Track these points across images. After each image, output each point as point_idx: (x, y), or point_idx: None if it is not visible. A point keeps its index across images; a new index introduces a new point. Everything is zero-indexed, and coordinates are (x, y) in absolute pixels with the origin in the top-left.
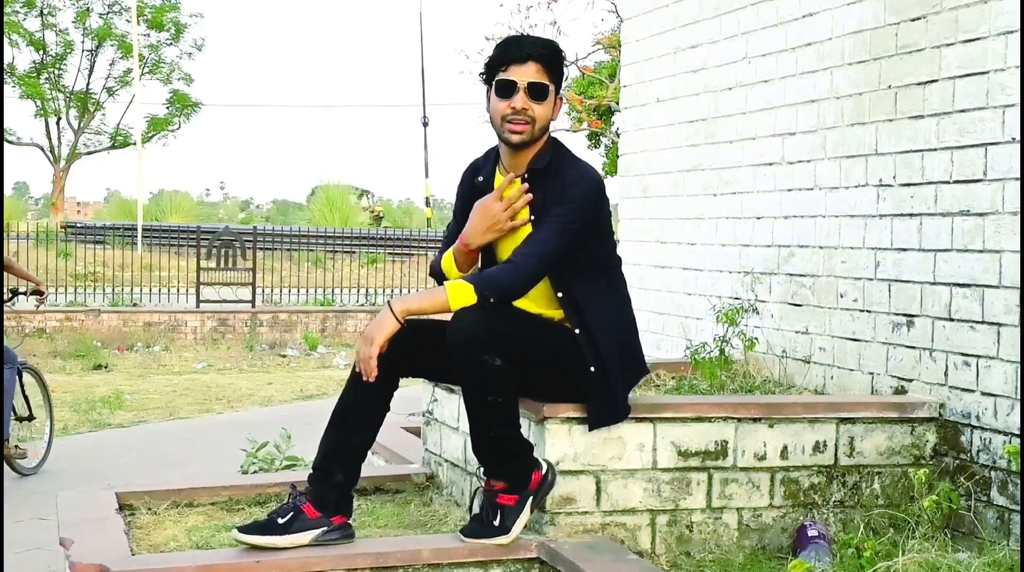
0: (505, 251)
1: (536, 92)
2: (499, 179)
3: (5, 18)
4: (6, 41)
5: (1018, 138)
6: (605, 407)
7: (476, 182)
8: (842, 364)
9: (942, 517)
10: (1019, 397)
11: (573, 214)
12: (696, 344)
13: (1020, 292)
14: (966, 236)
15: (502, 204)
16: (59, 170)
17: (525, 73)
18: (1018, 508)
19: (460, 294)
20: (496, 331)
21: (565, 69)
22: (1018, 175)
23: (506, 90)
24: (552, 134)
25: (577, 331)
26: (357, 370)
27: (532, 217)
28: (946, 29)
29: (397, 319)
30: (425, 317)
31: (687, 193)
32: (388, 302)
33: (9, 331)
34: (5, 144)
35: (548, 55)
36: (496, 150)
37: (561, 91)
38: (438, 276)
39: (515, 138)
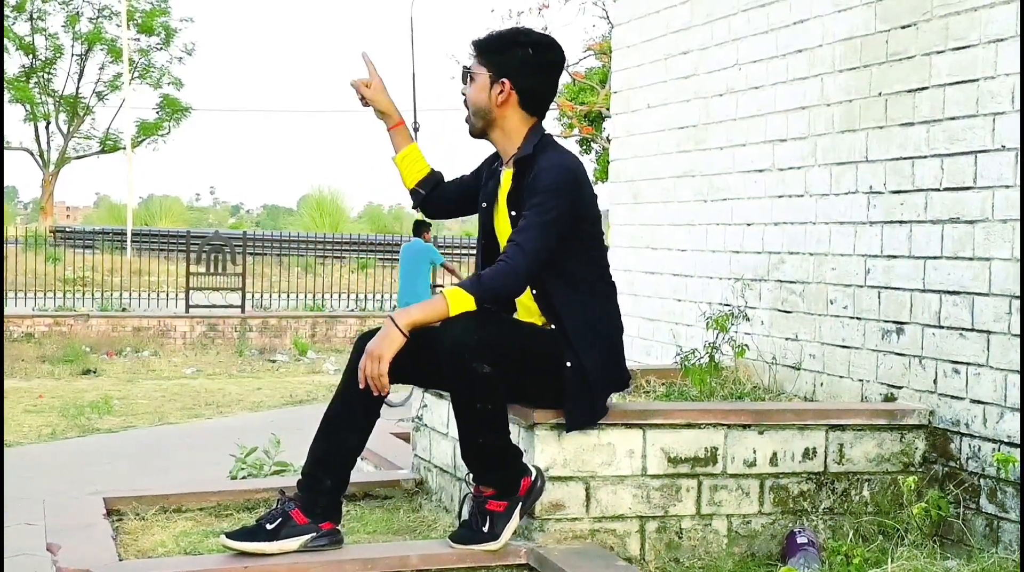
0: (499, 228)
1: (464, 76)
2: (505, 174)
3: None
4: None
5: (1008, 146)
6: (583, 406)
7: (492, 167)
8: (832, 371)
9: (931, 524)
10: (1012, 404)
11: (547, 203)
12: (686, 350)
13: (1021, 299)
14: (956, 244)
15: None
16: (48, 174)
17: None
18: (1007, 516)
19: (459, 301)
20: (485, 338)
21: (518, 53)
22: (1008, 183)
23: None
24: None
25: (552, 326)
26: (363, 386)
27: (512, 212)
28: (936, 37)
29: (403, 333)
30: None
31: (678, 199)
32: (390, 317)
33: None
34: None
35: (482, 42)
36: None
37: (507, 78)
38: (411, 195)
39: (467, 123)
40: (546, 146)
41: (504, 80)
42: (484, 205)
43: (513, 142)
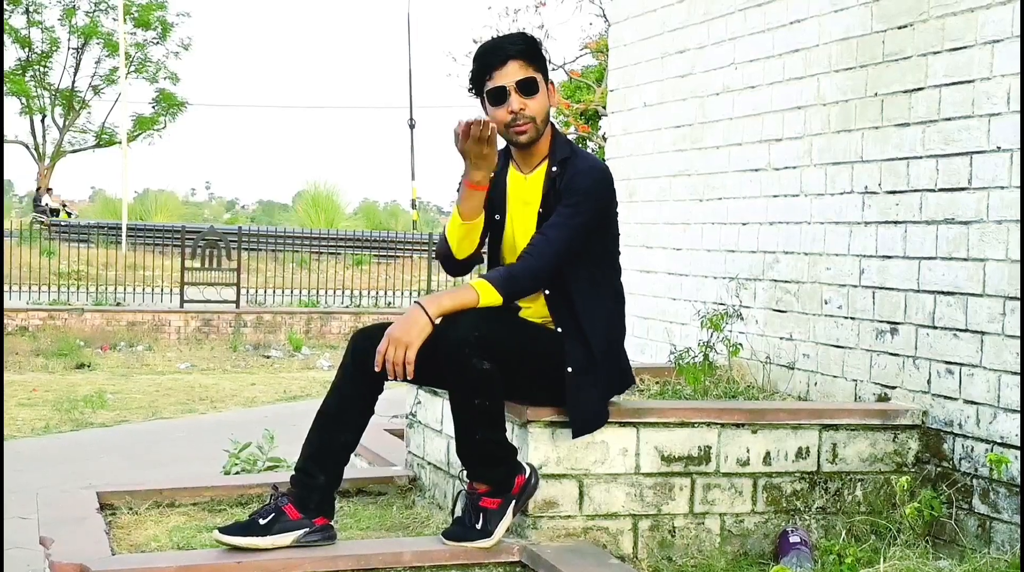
0: (519, 238)
1: (526, 88)
2: (513, 175)
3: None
4: None
5: (1003, 147)
6: (584, 412)
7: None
8: (826, 371)
9: (923, 524)
10: (1005, 405)
11: (582, 205)
12: (680, 349)
13: (1020, 299)
14: (950, 244)
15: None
16: (44, 168)
17: (510, 74)
18: (999, 516)
19: (488, 295)
20: (485, 335)
21: (545, 55)
22: (1003, 184)
23: (499, 97)
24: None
25: (559, 330)
26: (379, 369)
27: (541, 209)
28: (933, 37)
29: (431, 320)
30: None
31: (673, 198)
32: (419, 303)
33: None
34: None
35: (525, 48)
36: (508, 148)
37: (549, 78)
38: (444, 258)
39: (523, 138)
40: (578, 148)
41: (552, 82)
42: (498, 217)
43: (545, 145)
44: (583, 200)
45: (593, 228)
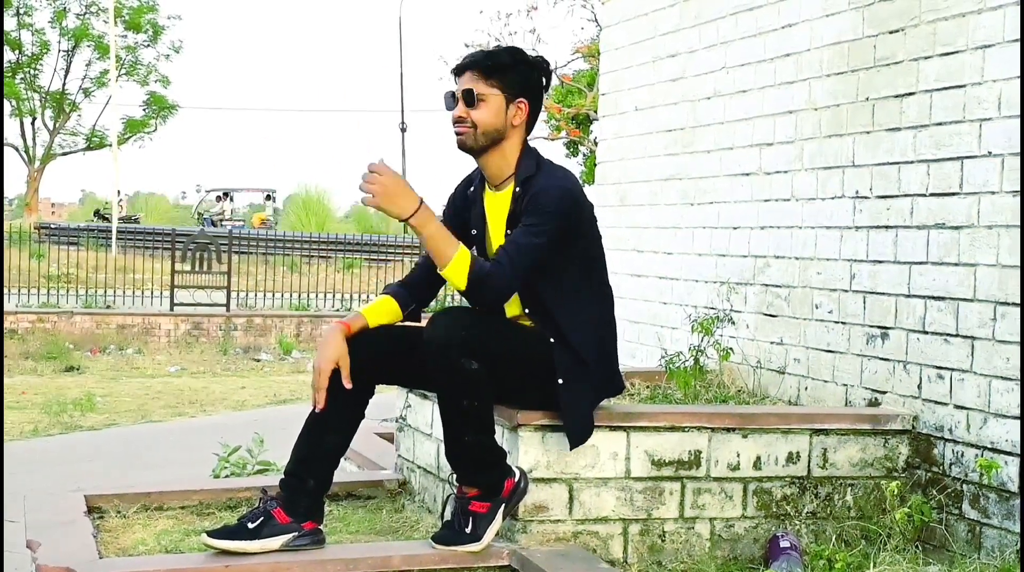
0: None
1: (468, 99)
2: (487, 194)
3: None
4: None
5: (994, 152)
6: (580, 421)
7: (468, 193)
8: (816, 375)
9: (914, 529)
10: (996, 410)
11: (542, 225)
12: (671, 353)
13: (1021, 305)
14: (941, 249)
15: None
16: (33, 171)
17: (461, 83)
18: (989, 521)
19: (461, 264)
20: (473, 335)
21: (534, 74)
22: (994, 189)
23: (449, 101)
24: (530, 143)
25: (552, 340)
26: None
27: (509, 230)
28: (924, 42)
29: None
30: (399, 326)
31: (664, 202)
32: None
33: None
34: None
35: (484, 62)
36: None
37: (521, 96)
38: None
39: (458, 139)
40: (544, 164)
41: (522, 101)
42: (474, 232)
43: (509, 163)
44: (544, 221)
45: (560, 241)
